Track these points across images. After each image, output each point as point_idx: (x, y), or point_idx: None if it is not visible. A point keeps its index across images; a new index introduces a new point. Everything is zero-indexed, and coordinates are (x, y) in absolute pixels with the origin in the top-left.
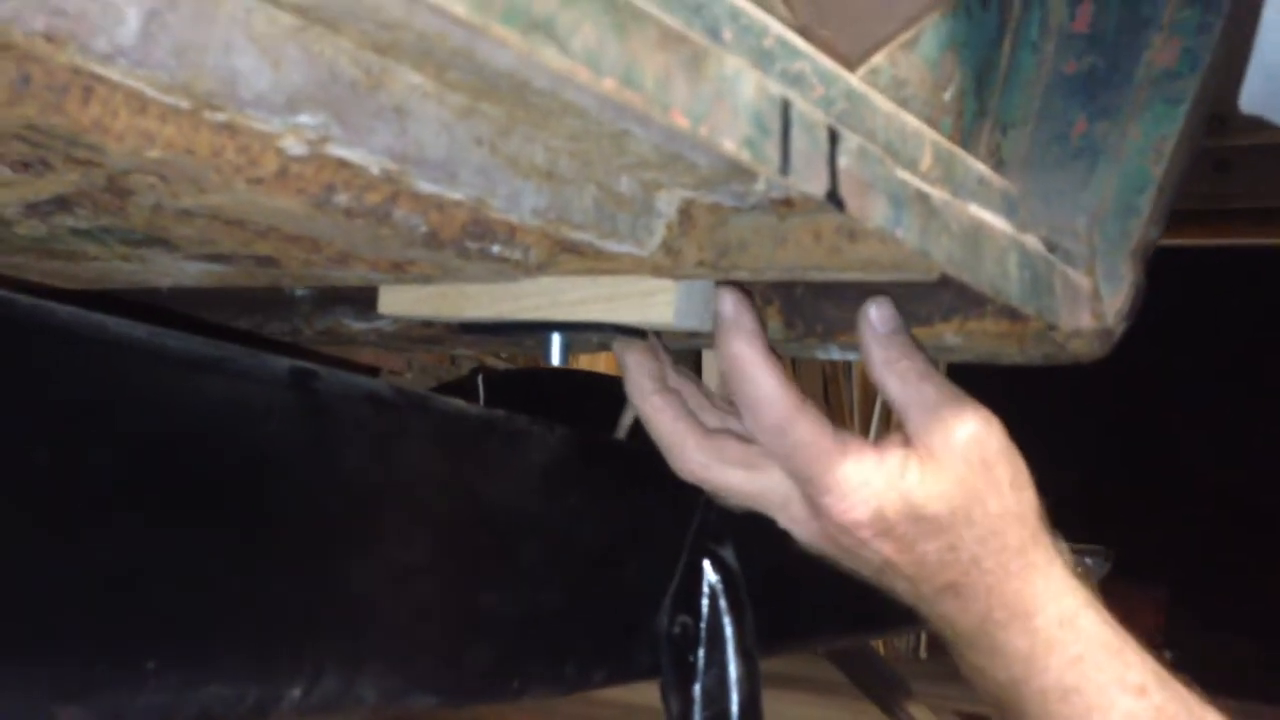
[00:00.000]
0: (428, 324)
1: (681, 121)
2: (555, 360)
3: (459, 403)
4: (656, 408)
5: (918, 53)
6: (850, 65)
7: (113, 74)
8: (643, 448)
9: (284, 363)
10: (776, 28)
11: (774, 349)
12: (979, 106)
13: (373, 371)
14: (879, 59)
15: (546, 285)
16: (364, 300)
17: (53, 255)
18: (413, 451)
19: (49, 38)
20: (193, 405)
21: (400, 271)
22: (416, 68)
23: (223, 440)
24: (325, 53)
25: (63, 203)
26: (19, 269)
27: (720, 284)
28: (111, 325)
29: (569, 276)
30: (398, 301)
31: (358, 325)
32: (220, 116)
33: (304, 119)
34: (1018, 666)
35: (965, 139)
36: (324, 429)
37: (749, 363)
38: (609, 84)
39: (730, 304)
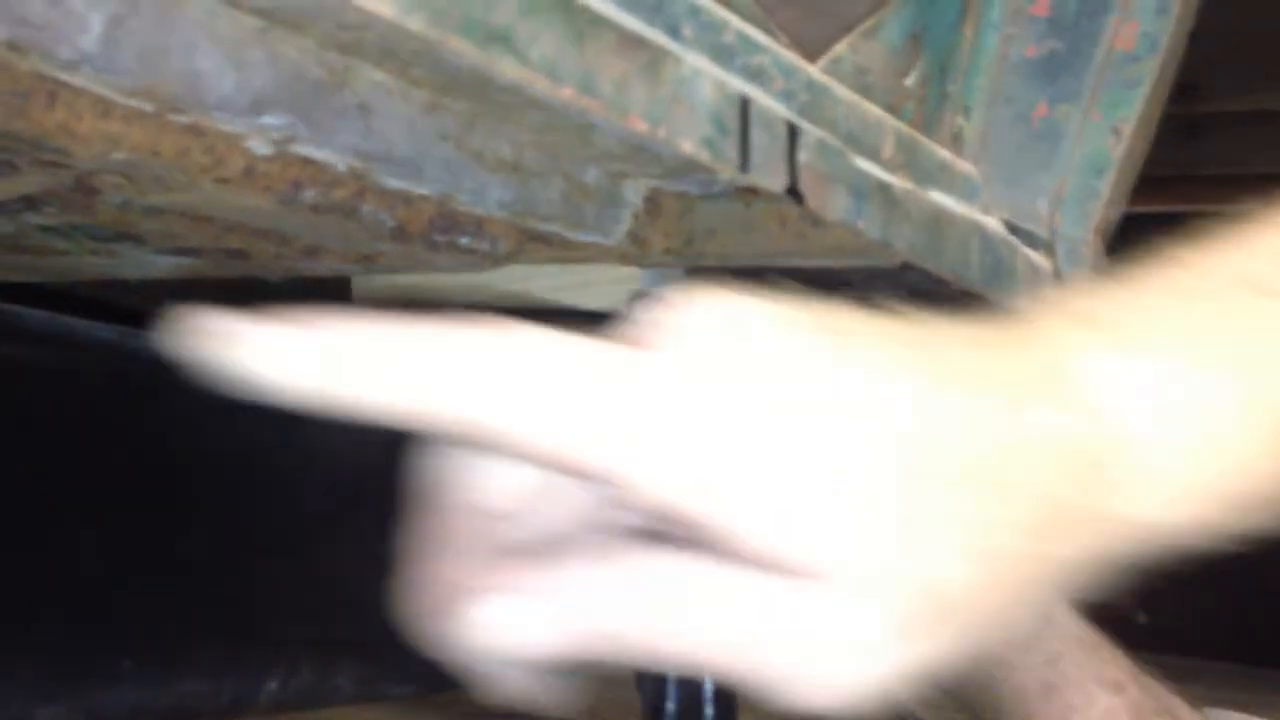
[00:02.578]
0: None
1: (639, 125)
2: None
3: None
4: None
5: (880, 39)
6: (812, 55)
7: (77, 80)
8: None
9: None
10: (737, 23)
11: None
12: (941, 91)
13: None
14: (841, 48)
15: (518, 274)
16: (338, 289)
17: (20, 250)
18: (382, 439)
19: (12, 46)
20: (162, 405)
21: (369, 263)
22: (380, 66)
23: (194, 438)
24: (289, 54)
25: (30, 202)
26: None
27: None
28: (81, 328)
29: (539, 265)
30: (371, 291)
31: None
32: (185, 119)
33: (269, 120)
34: (996, 667)
35: (927, 124)
36: (295, 425)
37: None
38: (567, 92)
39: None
